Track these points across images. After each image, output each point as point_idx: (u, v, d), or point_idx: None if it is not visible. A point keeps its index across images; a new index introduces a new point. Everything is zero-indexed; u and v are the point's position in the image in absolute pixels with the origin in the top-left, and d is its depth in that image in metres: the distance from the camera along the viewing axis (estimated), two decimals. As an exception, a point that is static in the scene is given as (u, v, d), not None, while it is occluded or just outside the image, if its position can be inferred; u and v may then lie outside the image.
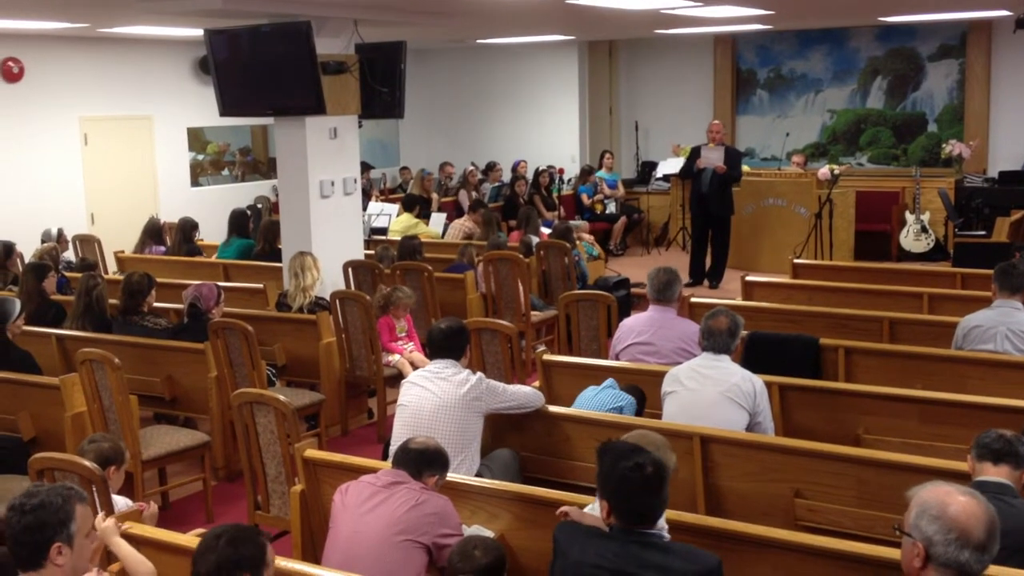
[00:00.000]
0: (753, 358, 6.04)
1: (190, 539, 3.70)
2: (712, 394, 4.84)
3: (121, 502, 4.26)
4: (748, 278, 8.27)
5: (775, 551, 3.56)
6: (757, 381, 4.91)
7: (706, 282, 11.41)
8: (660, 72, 15.91)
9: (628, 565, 3.14)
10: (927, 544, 2.70)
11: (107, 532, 3.57)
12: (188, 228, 10.53)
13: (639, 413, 5.20)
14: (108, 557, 3.66)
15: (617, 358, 6.04)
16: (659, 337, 5.88)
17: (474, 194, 13.65)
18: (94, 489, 4.04)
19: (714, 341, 4.99)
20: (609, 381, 5.32)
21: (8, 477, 5.31)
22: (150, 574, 3.47)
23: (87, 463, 4.12)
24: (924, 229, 12.51)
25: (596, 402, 5.18)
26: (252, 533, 3.10)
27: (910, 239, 12.55)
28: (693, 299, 7.33)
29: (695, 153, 11.42)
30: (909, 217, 12.61)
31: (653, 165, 15.26)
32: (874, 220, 12.81)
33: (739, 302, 7.74)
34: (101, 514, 3.66)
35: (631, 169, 16.01)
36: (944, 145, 13.59)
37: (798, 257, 9.83)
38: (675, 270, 6.11)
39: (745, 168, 12.94)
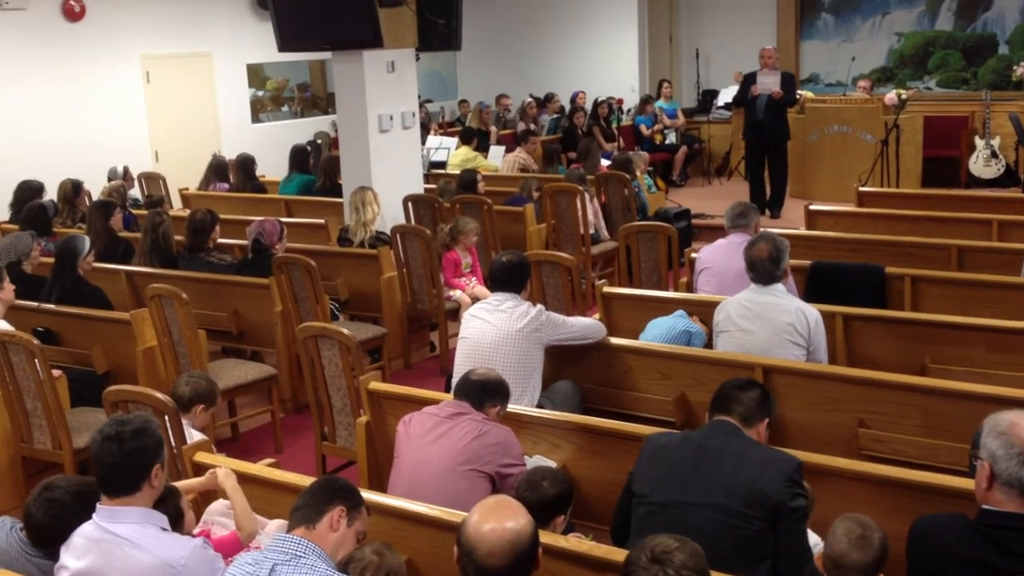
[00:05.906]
0: (816, 288, 5.97)
1: (260, 468, 3.80)
2: (768, 337, 4.76)
3: (198, 436, 4.37)
4: (811, 207, 8.14)
5: (839, 480, 3.56)
6: (811, 312, 4.82)
7: (767, 212, 11.26)
8: (721, -3, 15.55)
9: (711, 443, 3.33)
10: (992, 461, 2.69)
11: (226, 479, 3.58)
12: (248, 164, 10.62)
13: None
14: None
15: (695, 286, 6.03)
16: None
17: (532, 126, 13.54)
18: (166, 419, 4.15)
19: (758, 272, 4.86)
20: (679, 312, 5.30)
21: (83, 409, 5.48)
22: (254, 531, 3.45)
23: (158, 395, 4.22)
24: (994, 154, 12.19)
25: (665, 326, 5.18)
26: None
27: (980, 164, 12.25)
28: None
29: (749, 80, 11.18)
30: (979, 142, 12.28)
31: (714, 93, 14.99)
32: (943, 146, 12.48)
33: (802, 231, 7.64)
34: (221, 469, 3.66)
35: (692, 98, 15.75)
36: (1015, 67, 13.13)
37: (864, 185, 9.64)
38: (753, 204, 6.07)
39: (809, 94, 12.68)
